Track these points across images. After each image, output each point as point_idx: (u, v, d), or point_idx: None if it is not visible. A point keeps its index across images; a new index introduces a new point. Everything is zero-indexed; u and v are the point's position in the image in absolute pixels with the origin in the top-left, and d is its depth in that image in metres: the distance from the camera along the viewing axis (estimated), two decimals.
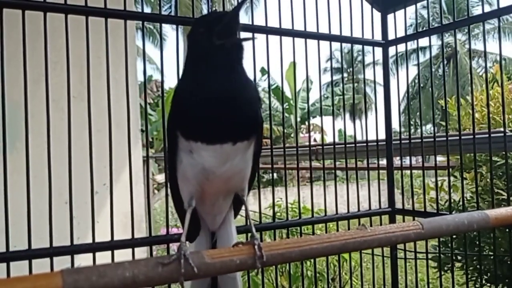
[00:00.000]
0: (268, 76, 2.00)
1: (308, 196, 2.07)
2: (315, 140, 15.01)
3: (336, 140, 2.32)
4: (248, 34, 1.85)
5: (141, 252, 1.86)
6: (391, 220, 2.30)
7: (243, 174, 1.09)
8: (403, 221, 2.17)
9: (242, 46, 1.03)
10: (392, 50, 2.33)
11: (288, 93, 18.35)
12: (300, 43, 1.98)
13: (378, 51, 2.32)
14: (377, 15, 2.29)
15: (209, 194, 1.10)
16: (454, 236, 2.62)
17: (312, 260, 2.73)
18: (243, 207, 1.21)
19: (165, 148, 1.85)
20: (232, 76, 1.00)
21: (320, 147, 2.24)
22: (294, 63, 1.97)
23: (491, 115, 2.00)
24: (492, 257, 2.35)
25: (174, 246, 2.02)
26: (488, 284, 2.78)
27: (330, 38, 2.10)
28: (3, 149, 1.43)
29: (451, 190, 2.14)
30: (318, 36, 2.04)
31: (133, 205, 1.63)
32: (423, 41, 2.25)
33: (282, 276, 3.88)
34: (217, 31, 1.01)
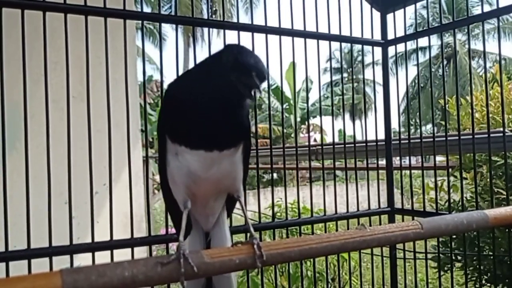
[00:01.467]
0: (268, 76, 2.00)
1: (308, 196, 2.07)
2: (314, 140, 15.02)
3: (336, 140, 2.32)
4: (247, 34, 1.85)
5: (141, 252, 1.86)
6: (390, 220, 2.30)
7: (233, 176, 1.08)
8: (403, 221, 2.17)
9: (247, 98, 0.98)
10: (391, 50, 2.33)
11: (288, 93, 18.37)
12: (299, 43, 1.98)
13: (378, 51, 2.32)
14: (377, 14, 2.29)
15: (199, 196, 1.10)
16: (454, 236, 2.62)
17: (312, 260, 2.73)
18: (237, 206, 1.21)
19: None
20: (224, 87, 0.95)
21: (320, 147, 2.24)
22: (293, 63, 1.97)
23: (491, 115, 2.00)
24: (491, 257, 2.35)
25: (173, 246, 2.02)
26: (488, 284, 2.78)
27: (329, 38, 2.10)
28: (2, 149, 1.43)
29: (451, 190, 2.14)
30: (317, 36, 2.04)
31: (133, 205, 1.64)
32: (423, 41, 2.25)
33: (282, 276, 3.88)
34: (242, 82, 0.94)
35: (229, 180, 1.08)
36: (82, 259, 1.48)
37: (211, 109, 0.96)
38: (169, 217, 1.73)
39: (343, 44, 2.27)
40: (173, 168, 1.04)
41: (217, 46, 1.74)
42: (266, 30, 1.88)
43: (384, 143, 2.31)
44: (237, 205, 1.20)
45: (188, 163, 1.00)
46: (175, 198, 1.11)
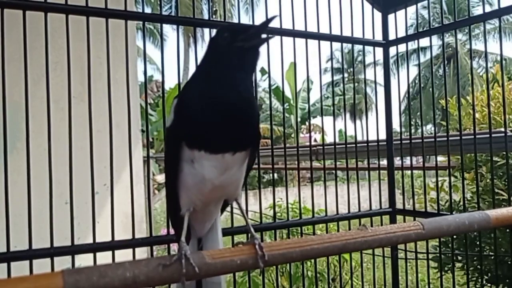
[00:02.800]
0: (269, 76, 2.00)
1: (309, 196, 2.07)
2: (315, 140, 15.00)
3: (337, 140, 2.32)
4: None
5: (142, 252, 1.86)
6: (391, 220, 2.30)
7: (238, 183, 1.12)
8: (404, 221, 2.17)
9: (259, 51, 1.04)
10: (392, 50, 2.33)
11: (288, 93, 18.36)
12: (300, 43, 1.98)
13: (379, 51, 2.32)
14: (378, 15, 2.29)
15: (204, 202, 1.11)
16: (455, 237, 2.62)
17: (313, 260, 2.74)
18: (237, 206, 1.22)
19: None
20: (241, 89, 1.01)
21: (321, 147, 2.24)
22: (294, 63, 1.97)
23: (491, 115, 2.00)
24: (492, 257, 2.35)
25: (174, 246, 2.02)
26: (489, 284, 2.78)
27: (330, 38, 2.10)
28: (3, 150, 1.43)
29: (452, 190, 2.14)
30: (318, 36, 2.04)
31: (134, 206, 1.63)
32: (424, 41, 2.25)
33: (283, 276, 3.87)
34: (240, 39, 1.02)
35: (234, 186, 1.11)
36: (83, 260, 1.48)
37: (229, 111, 0.99)
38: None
39: (344, 44, 2.27)
40: (186, 174, 1.05)
41: None
42: (267, 30, 1.88)
43: (385, 143, 2.30)
44: (237, 205, 1.20)
45: (204, 170, 1.02)
46: (180, 201, 1.11)
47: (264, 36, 1.10)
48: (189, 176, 1.05)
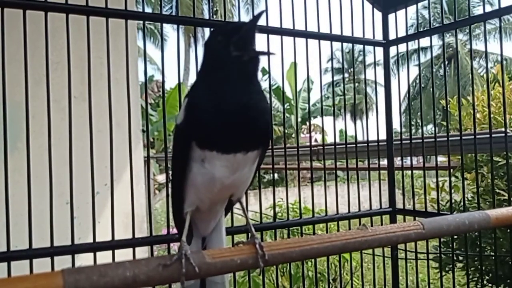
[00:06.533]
0: (269, 76, 2.00)
1: (309, 196, 2.07)
2: (316, 140, 15.00)
3: (337, 140, 2.32)
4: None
5: (142, 252, 1.86)
6: (391, 220, 2.30)
7: (247, 182, 1.12)
8: (404, 221, 2.17)
9: (259, 59, 1.04)
10: (393, 50, 2.33)
11: (289, 93, 18.35)
12: (301, 43, 1.98)
13: (379, 51, 2.32)
14: (378, 15, 2.29)
15: (211, 201, 1.11)
16: (455, 237, 2.62)
17: (313, 260, 2.74)
18: (237, 206, 1.22)
19: (166, 150, 1.85)
20: (248, 87, 1.01)
21: (321, 147, 2.24)
22: (295, 63, 1.97)
23: (492, 115, 2.00)
24: (493, 258, 2.35)
25: (175, 246, 2.02)
26: (490, 285, 2.78)
27: (331, 38, 2.10)
28: (4, 149, 1.43)
29: (453, 191, 2.14)
30: (319, 36, 2.04)
31: (134, 205, 1.64)
32: (424, 41, 2.24)
33: (283, 277, 3.88)
34: (234, 41, 1.01)
35: (243, 187, 1.12)
36: (84, 259, 1.48)
37: (241, 110, 0.99)
38: (170, 217, 1.74)
39: (344, 44, 2.27)
40: (195, 174, 1.04)
41: None
42: (267, 30, 1.88)
43: (385, 143, 2.30)
44: (237, 205, 1.20)
45: (214, 169, 1.01)
46: (184, 200, 1.11)
47: (263, 50, 1.09)
48: (198, 176, 1.04)
